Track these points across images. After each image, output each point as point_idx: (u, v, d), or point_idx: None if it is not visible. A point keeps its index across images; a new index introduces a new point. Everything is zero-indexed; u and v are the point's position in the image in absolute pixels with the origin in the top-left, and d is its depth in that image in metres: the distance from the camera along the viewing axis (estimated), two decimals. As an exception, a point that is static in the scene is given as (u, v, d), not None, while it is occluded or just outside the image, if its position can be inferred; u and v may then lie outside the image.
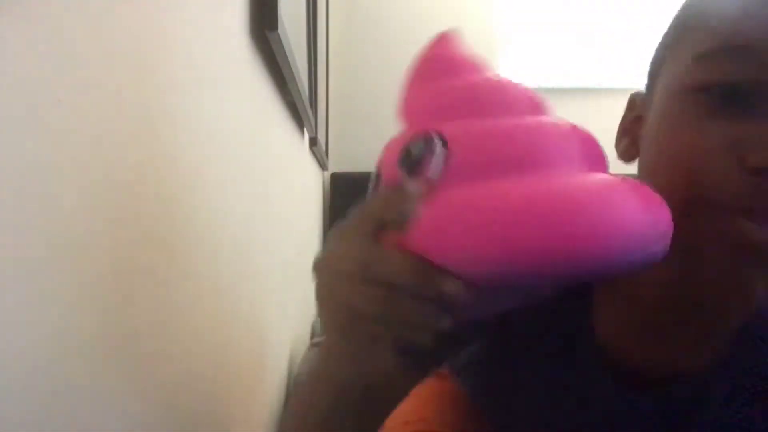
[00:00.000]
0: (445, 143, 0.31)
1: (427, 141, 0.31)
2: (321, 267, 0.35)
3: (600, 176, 0.32)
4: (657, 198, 0.32)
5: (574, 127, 0.33)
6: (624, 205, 0.29)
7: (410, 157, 0.32)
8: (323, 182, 2.48)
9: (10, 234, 0.28)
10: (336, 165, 2.56)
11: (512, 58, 2.60)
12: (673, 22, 0.45)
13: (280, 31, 0.84)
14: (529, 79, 2.53)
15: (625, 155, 0.47)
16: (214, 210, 0.64)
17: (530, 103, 0.34)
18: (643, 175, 0.44)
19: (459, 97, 0.33)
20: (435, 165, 0.31)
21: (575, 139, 0.33)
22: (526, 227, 0.28)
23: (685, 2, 0.44)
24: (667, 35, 0.45)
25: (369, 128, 2.64)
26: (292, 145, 1.36)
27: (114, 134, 0.39)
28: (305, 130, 1.58)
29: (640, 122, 0.46)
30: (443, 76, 0.35)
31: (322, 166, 2.26)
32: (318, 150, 1.87)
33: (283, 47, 0.88)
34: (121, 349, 0.40)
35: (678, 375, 0.48)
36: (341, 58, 2.57)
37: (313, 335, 1.70)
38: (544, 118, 0.33)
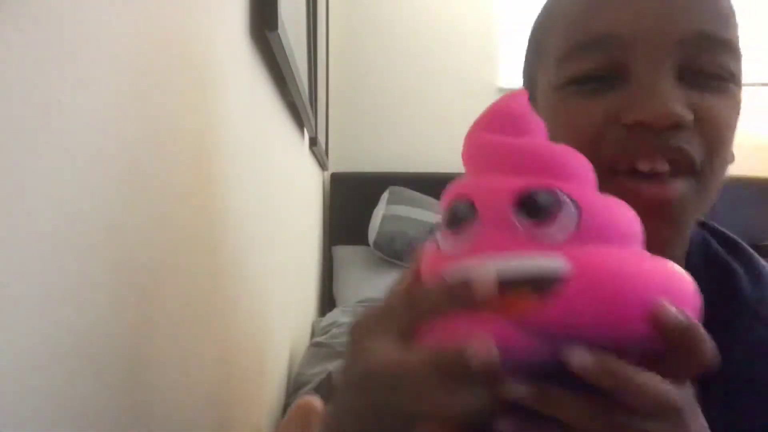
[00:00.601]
0: (575, 203, 0.30)
1: (555, 196, 0.30)
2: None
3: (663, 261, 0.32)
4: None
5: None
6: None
7: (535, 205, 0.30)
8: (323, 182, 2.48)
9: (11, 234, 0.28)
10: (336, 165, 2.56)
11: (512, 58, 2.60)
12: (530, 36, 0.53)
13: (280, 31, 0.83)
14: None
15: None
16: (214, 210, 0.64)
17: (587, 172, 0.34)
18: None
19: (536, 157, 0.32)
20: (566, 221, 0.30)
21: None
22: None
23: (536, 19, 0.52)
24: (529, 50, 0.53)
25: (369, 128, 2.64)
26: (292, 145, 1.36)
27: (113, 134, 0.39)
28: (305, 130, 1.58)
29: None
30: (515, 134, 0.34)
31: (322, 166, 2.26)
32: (318, 150, 1.87)
33: (283, 47, 0.88)
34: (121, 349, 0.40)
35: None
36: (341, 58, 2.57)
37: (313, 335, 1.70)
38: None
